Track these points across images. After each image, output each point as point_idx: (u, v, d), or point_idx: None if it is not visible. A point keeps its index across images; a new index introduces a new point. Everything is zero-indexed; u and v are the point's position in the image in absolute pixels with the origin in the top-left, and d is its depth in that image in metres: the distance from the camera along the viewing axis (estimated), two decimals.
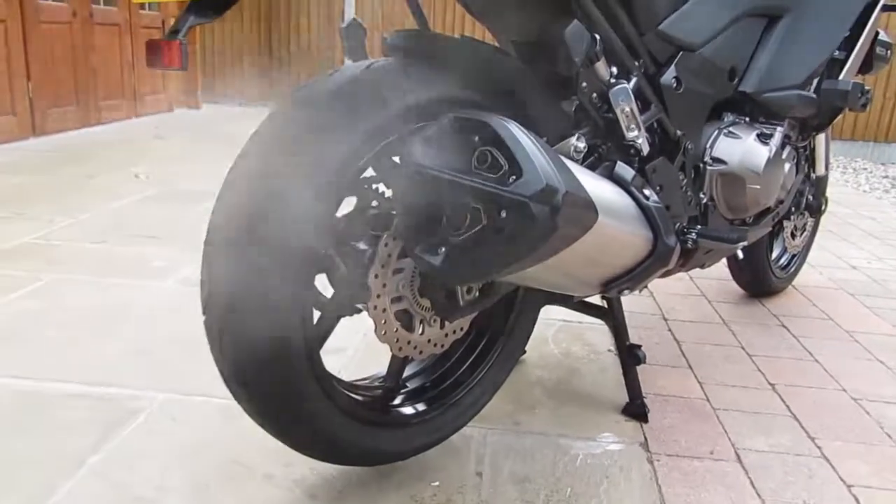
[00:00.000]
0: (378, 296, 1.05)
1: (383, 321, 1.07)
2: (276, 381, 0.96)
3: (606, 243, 0.95)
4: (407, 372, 1.25)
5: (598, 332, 1.89)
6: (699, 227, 1.37)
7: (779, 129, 1.49)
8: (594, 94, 1.09)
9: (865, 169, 5.61)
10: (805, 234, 2.27)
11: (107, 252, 2.32)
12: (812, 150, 2.01)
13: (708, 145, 1.44)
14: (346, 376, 1.30)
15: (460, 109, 0.88)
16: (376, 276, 1.04)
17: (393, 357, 1.16)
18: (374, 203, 1.10)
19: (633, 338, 1.52)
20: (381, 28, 6.73)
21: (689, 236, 1.34)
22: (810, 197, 2.09)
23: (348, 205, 1.05)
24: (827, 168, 2.10)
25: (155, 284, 2.05)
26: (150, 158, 4.00)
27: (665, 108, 1.29)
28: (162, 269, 2.18)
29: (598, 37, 1.06)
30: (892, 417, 1.53)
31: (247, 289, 0.93)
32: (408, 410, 1.18)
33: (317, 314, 1.06)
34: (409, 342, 1.10)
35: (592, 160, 1.10)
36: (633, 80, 1.16)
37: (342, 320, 1.13)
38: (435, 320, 1.12)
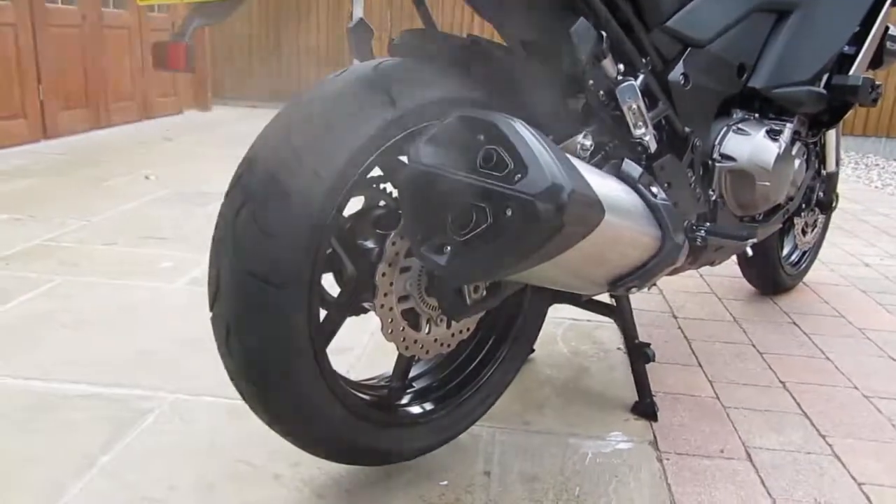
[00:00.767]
0: (385, 294, 1.05)
1: (390, 320, 1.07)
2: (282, 380, 0.96)
3: (613, 241, 0.94)
4: (414, 371, 1.24)
5: (607, 330, 1.88)
6: (708, 224, 1.36)
7: (788, 125, 1.48)
8: (601, 92, 1.09)
9: (878, 165, 5.56)
10: (816, 230, 2.26)
11: (118, 253, 2.33)
12: (822, 146, 2.00)
13: (717, 142, 1.43)
14: (354, 376, 1.30)
15: (467, 108, 0.88)
16: (383, 275, 1.04)
17: (399, 356, 1.16)
18: (381, 202, 1.10)
19: (643, 336, 1.51)
20: (389, 29, 6.74)
21: (697, 233, 1.33)
22: (821, 193, 2.07)
23: (356, 203, 1.05)
24: (838, 164, 2.08)
25: (164, 286, 2.06)
26: (159, 160, 4.02)
27: (673, 105, 1.29)
28: (171, 269, 2.19)
29: (604, 34, 1.05)
30: None
31: (254, 284, 0.93)
32: (415, 410, 1.18)
33: (323, 313, 1.06)
34: (415, 341, 1.10)
35: (599, 158, 1.09)
36: (641, 77, 1.15)
37: (351, 320, 1.13)
38: (442, 319, 1.12)
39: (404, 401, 1.19)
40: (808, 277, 2.38)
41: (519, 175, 0.79)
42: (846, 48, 1.63)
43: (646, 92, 1.19)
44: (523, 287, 1.22)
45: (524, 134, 0.81)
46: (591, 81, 1.06)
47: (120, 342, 1.67)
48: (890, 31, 1.78)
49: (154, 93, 5.61)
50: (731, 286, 2.31)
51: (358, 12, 6.78)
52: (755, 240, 1.32)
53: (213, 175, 3.62)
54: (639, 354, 1.44)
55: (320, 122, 0.94)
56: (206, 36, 6.36)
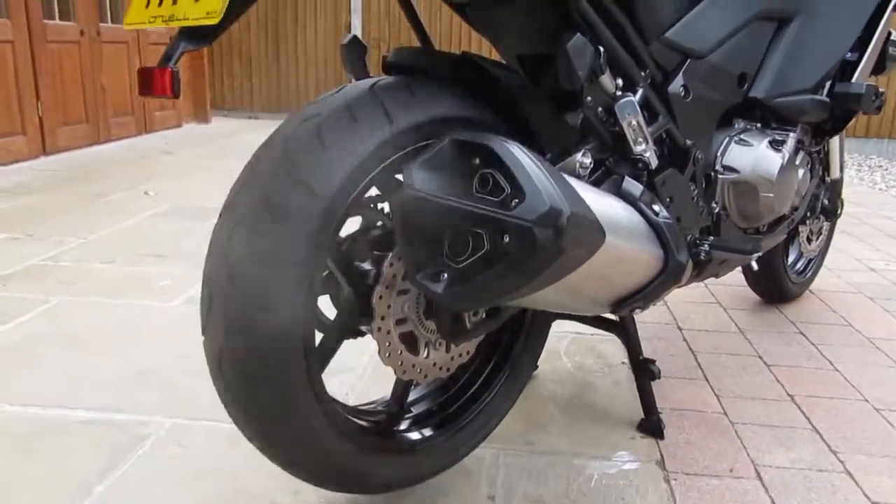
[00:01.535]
0: (382, 317, 1.03)
1: (387, 343, 1.04)
2: (275, 406, 0.94)
3: (615, 263, 0.92)
4: (412, 396, 1.22)
5: (611, 343, 1.85)
6: (712, 238, 1.34)
7: (791, 134, 1.46)
8: (600, 109, 1.06)
9: (881, 167, 5.53)
10: (821, 237, 2.23)
11: (115, 272, 2.31)
12: (826, 153, 1.97)
13: (719, 153, 1.41)
14: (353, 398, 1.28)
15: (462, 130, 0.86)
16: (380, 297, 1.02)
17: (397, 380, 1.14)
18: (379, 223, 1.08)
19: (647, 349, 1.48)
20: (387, 40, 6.74)
21: (701, 248, 1.30)
22: (825, 200, 2.05)
23: (352, 223, 1.03)
24: (842, 170, 2.06)
25: (162, 305, 2.04)
26: (159, 175, 4.01)
27: (673, 117, 1.26)
28: (168, 289, 2.17)
29: (601, 49, 1.03)
30: None
31: (247, 310, 0.91)
32: (414, 436, 1.15)
33: (319, 336, 1.03)
34: (413, 365, 1.08)
35: (599, 175, 1.07)
36: (640, 91, 1.13)
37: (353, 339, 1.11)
38: (440, 343, 1.10)
39: (402, 426, 1.16)
40: (814, 284, 2.35)
41: (516, 200, 0.77)
42: (848, 54, 1.60)
43: (645, 106, 1.17)
44: (524, 308, 1.20)
45: (520, 157, 0.78)
46: (588, 98, 1.03)
47: (117, 364, 1.65)
48: (892, 37, 1.75)
49: (153, 106, 5.60)
50: (735, 295, 2.28)
51: (356, 24, 6.79)
52: (760, 253, 1.29)
53: (213, 189, 3.60)
54: (644, 372, 1.41)
55: (316, 140, 0.92)
56: (204, 49, 6.36)
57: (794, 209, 1.60)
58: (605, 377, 1.68)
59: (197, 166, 4.33)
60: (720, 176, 1.40)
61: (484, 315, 1.07)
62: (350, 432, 1.04)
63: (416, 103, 0.97)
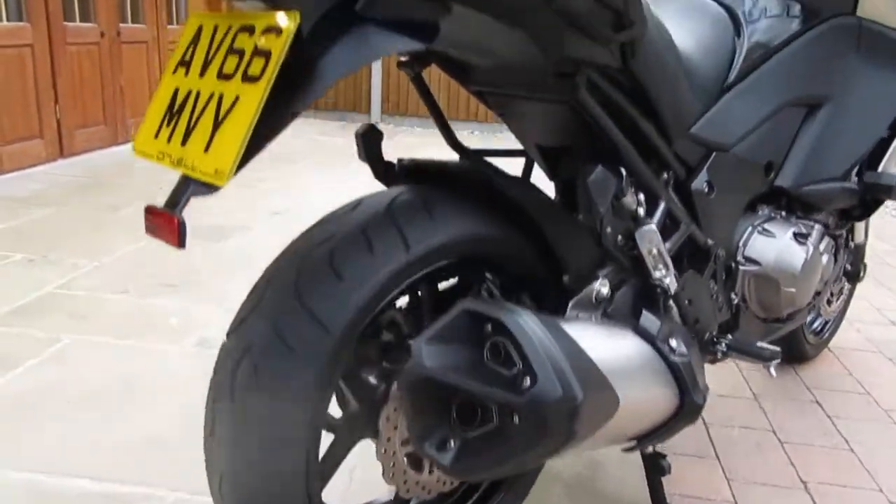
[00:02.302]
0: (388, 439, 1.01)
1: (392, 464, 1.02)
2: None
3: (628, 416, 0.89)
4: None
5: None
6: (729, 338, 1.30)
7: (817, 226, 1.41)
8: (619, 237, 1.03)
9: None
10: (841, 298, 2.18)
11: (127, 306, 2.31)
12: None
13: (741, 243, 1.37)
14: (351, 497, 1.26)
15: (473, 301, 0.83)
16: (388, 419, 1.00)
17: (396, 496, 1.11)
18: (389, 335, 1.05)
19: None
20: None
21: (718, 348, 1.27)
22: (849, 266, 2.00)
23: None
24: (866, 234, 2.00)
25: (172, 349, 2.03)
26: (173, 183, 3.99)
27: (695, 216, 1.23)
28: (180, 327, 2.16)
29: (623, 172, 0.99)
30: None
31: (250, 443, 0.89)
32: None
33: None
34: (417, 482, 1.06)
35: (617, 303, 1.04)
36: (661, 207, 1.09)
37: None
38: None
39: None
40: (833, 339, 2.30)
41: (528, 379, 0.74)
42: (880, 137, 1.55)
43: (667, 216, 1.13)
44: None
45: (532, 333, 0.76)
46: (608, 229, 1.00)
47: (124, 426, 1.64)
48: None
49: None
50: None
51: (374, 114, 6.91)
52: (779, 361, 1.26)
53: (228, 202, 3.59)
54: (654, 466, 1.38)
55: (330, 270, 0.89)
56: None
57: (817, 294, 1.56)
58: (614, 455, 1.65)
59: None
60: (741, 267, 1.37)
61: None
62: None
63: (434, 226, 0.94)
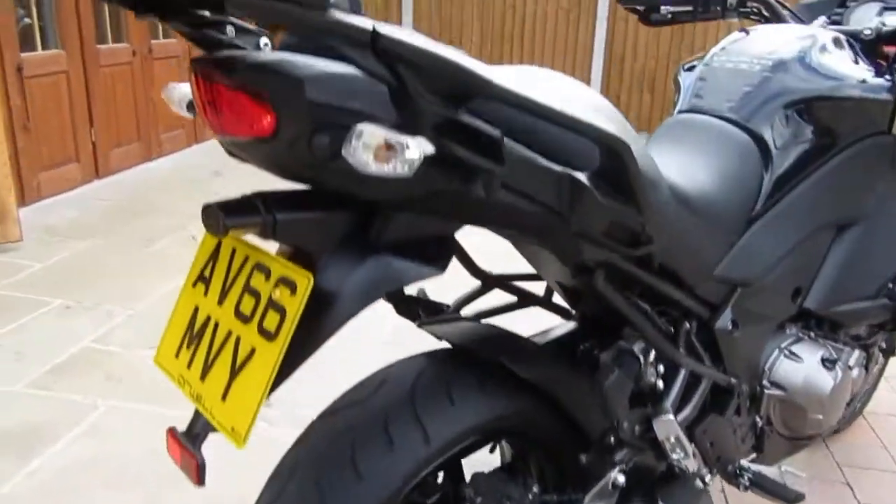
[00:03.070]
0: None
1: None
2: None
3: None
4: None
5: None
6: (753, 471, 1.29)
7: (846, 348, 1.38)
8: (636, 428, 1.02)
9: None
10: (874, 370, 2.13)
11: None
12: None
13: (766, 367, 1.35)
14: None
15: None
16: None
17: None
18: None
19: None
20: None
21: (741, 481, 1.26)
22: (883, 343, 1.95)
23: None
24: None
25: None
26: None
27: (719, 357, 1.21)
28: None
29: (640, 358, 0.98)
30: None
31: None
32: None
33: None
34: None
35: (632, 494, 1.04)
36: (681, 375, 1.08)
37: None
38: None
39: None
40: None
41: None
42: None
43: (688, 377, 1.12)
44: None
45: None
46: (625, 424, 0.99)
47: None
48: None
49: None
50: None
51: None
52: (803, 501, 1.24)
53: None
54: None
55: (350, 468, 0.90)
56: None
57: (848, 404, 1.53)
58: None
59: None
60: (766, 391, 1.35)
61: None
62: None
63: (455, 414, 0.94)
